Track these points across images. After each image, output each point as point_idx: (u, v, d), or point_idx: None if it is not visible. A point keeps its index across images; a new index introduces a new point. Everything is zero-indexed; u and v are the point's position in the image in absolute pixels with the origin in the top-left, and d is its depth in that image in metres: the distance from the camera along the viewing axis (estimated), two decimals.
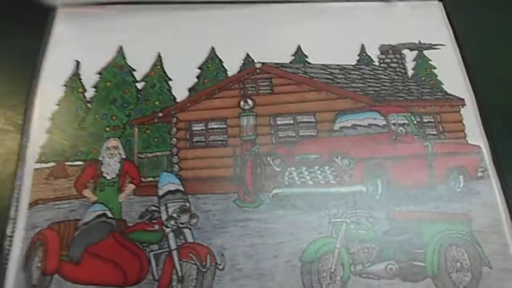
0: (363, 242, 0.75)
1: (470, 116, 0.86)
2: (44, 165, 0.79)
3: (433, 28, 0.96)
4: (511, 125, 0.87)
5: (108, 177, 0.80)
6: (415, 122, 0.87)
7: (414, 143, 0.85)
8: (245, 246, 0.73)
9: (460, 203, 0.79)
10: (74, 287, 0.70)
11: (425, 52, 0.94)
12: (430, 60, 0.92)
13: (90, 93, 0.87)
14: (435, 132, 0.87)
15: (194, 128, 0.88)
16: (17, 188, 0.76)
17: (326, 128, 0.86)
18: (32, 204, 0.75)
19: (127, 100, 0.87)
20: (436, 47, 0.94)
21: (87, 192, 0.78)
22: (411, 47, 0.94)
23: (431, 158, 0.84)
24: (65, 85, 0.87)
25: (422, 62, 0.93)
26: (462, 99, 0.87)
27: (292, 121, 0.87)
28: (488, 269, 0.73)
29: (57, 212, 0.75)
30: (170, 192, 0.76)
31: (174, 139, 0.87)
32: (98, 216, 0.75)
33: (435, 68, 0.92)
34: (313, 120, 0.87)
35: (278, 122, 0.87)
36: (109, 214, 0.76)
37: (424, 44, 0.94)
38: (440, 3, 0.99)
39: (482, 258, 0.74)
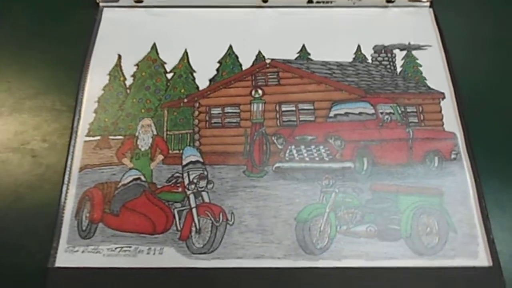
0: (349, 208, 0.83)
1: (449, 107, 0.93)
2: (91, 138, 0.90)
3: (423, 31, 1.03)
4: (484, 116, 0.93)
5: (142, 149, 0.89)
6: (399, 112, 0.93)
7: (398, 129, 0.91)
8: (251, 207, 0.83)
9: (434, 180, 0.86)
10: (114, 233, 0.81)
11: (413, 51, 1.00)
12: (417, 59, 1.00)
13: (129, 81, 0.97)
14: (416, 120, 0.92)
15: (212, 112, 0.95)
16: (70, 156, 0.88)
17: (323, 115, 0.92)
18: (82, 169, 0.86)
19: (159, 87, 0.96)
20: (424, 47, 1.01)
21: (125, 160, 0.88)
22: (401, 47, 1.01)
23: (411, 142, 0.90)
24: (109, 74, 0.97)
25: (410, 61, 1.00)
26: (443, 93, 0.95)
27: (294, 108, 0.93)
28: (453, 233, 0.81)
29: (101, 175, 0.86)
30: (191, 162, 0.87)
31: (196, 120, 0.93)
32: (134, 179, 0.86)
33: (421, 66, 0.99)
34: (312, 107, 0.93)
35: (283, 109, 0.94)
36: (143, 178, 0.86)
37: (413, 44, 1.01)
38: (430, 9, 1.06)
39: (449, 225, 0.82)
